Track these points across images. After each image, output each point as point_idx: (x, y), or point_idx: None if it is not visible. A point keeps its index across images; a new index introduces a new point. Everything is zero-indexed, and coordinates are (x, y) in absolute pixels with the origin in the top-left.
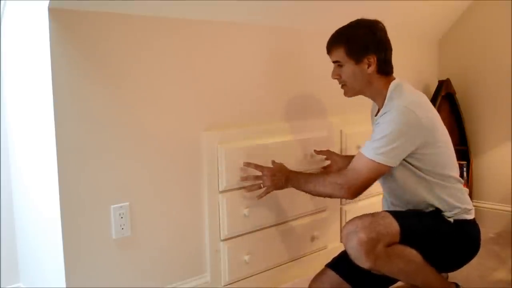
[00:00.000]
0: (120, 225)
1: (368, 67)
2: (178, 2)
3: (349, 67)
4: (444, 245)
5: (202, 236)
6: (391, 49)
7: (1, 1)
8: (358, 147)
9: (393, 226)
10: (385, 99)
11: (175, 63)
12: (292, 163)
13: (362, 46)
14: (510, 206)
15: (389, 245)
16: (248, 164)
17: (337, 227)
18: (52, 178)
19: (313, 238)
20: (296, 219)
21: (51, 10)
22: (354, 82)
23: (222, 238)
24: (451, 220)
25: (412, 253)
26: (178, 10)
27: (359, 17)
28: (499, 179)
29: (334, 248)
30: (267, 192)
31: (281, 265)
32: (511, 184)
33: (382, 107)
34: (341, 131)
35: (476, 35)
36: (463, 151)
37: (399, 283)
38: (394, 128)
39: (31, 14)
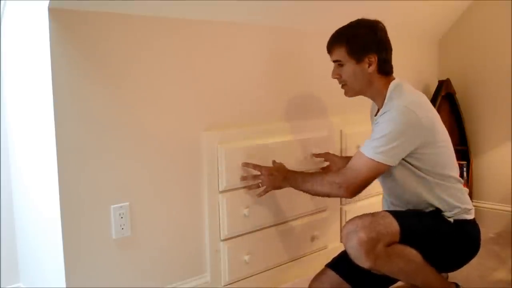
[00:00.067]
0: (120, 225)
1: (368, 67)
2: (178, 2)
3: (350, 67)
4: (444, 245)
5: (202, 236)
6: (391, 49)
7: (1, 1)
8: (358, 147)
9: (393, 225)
10: (385, 99)
11: (175, 63)
12: (292, 163)
13: (363, 46)
14: (510, 206)
15: (389, 245)
16: (246, 164)
17: (337, 227)
18: (52, 178)
19: (313, 238)
20: (296, 219)
21: (51, 10)
22: (354, 81)
23: (222, 238)
24: (451, 220)
25: (412, 253)
26: (178, 10)
27: (359, 17)
28: (499, 179)
29: (334, 248)
30: (265, 191)
31: (281, 265)
32: (511, 184)
33: (381, 107)
34: (341, 131)
35: (476, 35)
36: (463, 151)
37: (399, 283)
38: (393, 128)
39: (31, 14)
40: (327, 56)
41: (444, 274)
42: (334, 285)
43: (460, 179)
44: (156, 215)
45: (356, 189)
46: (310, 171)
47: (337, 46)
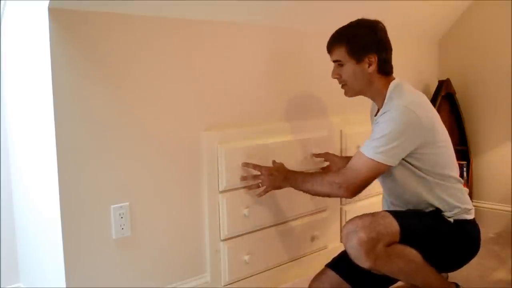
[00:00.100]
0: (120, 225)
1: (368, 67)
2: (178, 2)
3: (350, 66)
4: (444, 245)
5: (202, 236)
6: (391, 49)
7: (1, 1)
8: (358, 147)
9: (393, 225)
10: (384, 99)
11: (175, 63)
12: (292, 163)
13: (363, 46)
14: (510, 206)
15: (389, 245)
16: (246, 165)
17: (337, 227)
18: (52, 178)
19: (313, 238)
20: (296, 219)
21: (51, 10)
22: (354, 81)
23: (222, 238)
24: (451, 220)
25: (412, 253)
26: (178, 10)
27: (359, 17)
28: (499, 179)
29: (334, 248)
30: (265, 191)
31: (281, 265)
32: (511, 184)
33: (381, 107)
34: (341, 131)
35: (476, 35)
36: (463, 151)
37: (399, 283)
38: (394, 128)
39: (31, 14)
40: (327, 56)
41: (444, 274)
42: (334, 285)
43: (460, 179)
44: (156, 215)
45: (356, 189)
46: (310, 171)
47: (337, 46)
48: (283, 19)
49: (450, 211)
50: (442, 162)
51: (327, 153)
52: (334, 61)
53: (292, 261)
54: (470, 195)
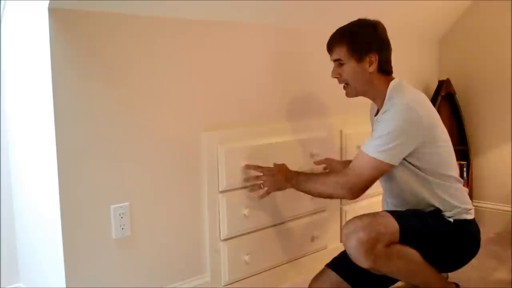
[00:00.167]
0: (120, 225)
1: (369, 66)
2: (178, 2)
3: (350, 65)
4: (444, 245)
5: (202, 236)
6: (391, 49)
7: (1, 1)
8: (358, 147)
9: (393, 226)
10: (384, 98)
11: (175, 63)
12: (292, 163)
13: (365, 44)
14: (510, 206)
15: (388, 245)
16: (248, 167)
17: (337, 227)
18: (52, 178)
19: (313, 238)
20: (296, 219)
21: (51, 10)
22: (355, 81)
23: (222, 238)
24: (451, 220)
25: (412, 253)
26: (178, 10)
27: (359, 17)
28: (499, 179)
29: (334, 248)
30: (267, 193)
31: (281, 265)
32: (511, 184)
33: (381, 107)
34: (341, 131)
35: (476, 35)
36: (463, 151)
37: (399, 283)
38: (395, 126)
39: (31, 14)
40: (327, 56)
41: (444, 274)
42: (334, 285)
43: (460, 179)
44: (156, 215)
45: (359, 190)
46: (310, 172)
47: (338, 44)
48: (283, 19)
49: (450, 211)
50: (442, 162)
51: (327, 159)
52: (334, 61)
53: (292, 261)
54: (470, 195)
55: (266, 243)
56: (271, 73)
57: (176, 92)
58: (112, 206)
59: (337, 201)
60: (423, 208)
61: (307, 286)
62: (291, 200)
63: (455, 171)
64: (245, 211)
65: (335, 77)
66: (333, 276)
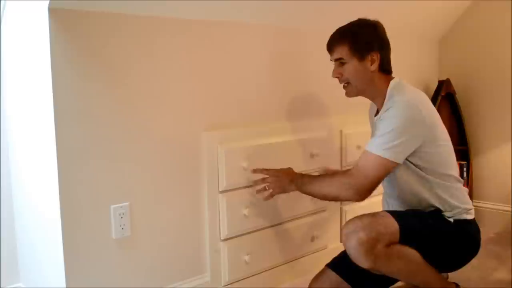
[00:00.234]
0: (120, 225)
1: (371, 65)
2: (178, 2)
3: (352, 64)
4: (444, 245)
5: (202, 236)
6: (390, 49)
7: (1, 1)
8: (358, 147)
9: (393, 226)
10: (385, 98)
11: (175, 63)
12: (292, 163)
13: (367, 43)
14: (510, 206)
15: (388, 245)
16: (255, 171)
17: (337, 227)
18: (52, 178)
19: (313, 238)
20: (296, 219)
21: (51, 10)
22: (356, 80)
23: (222, 238)
24: (451, 220)
25: (412, 253)
26: (178, 10)
27: (359, 17)
28: (499, 179)
29: (334, 248)
30: (272, 195)
31: (281, 265)
32: (511, 184)
33: (381, 107)
34: (341, 131)
35: (476, 35)
36: (463, 151)
37: (399, 283)
38: (399, 123)
39: (31, 14)
40: (327, 56)
41: (444, 274)
42: (334, 285)
43: (460, 178)
44: (156, 215)
45: (366, 191)
46: (310, 172)
47: (339, 43)
48: (283, 19)
49: (450, 211)
50: (442, 161)
51: (327, 169)
52: (335, 60)
53: (292, 261)
54: (470, 195)
55: (266, 243)
56: (271, 73)
57: (176, 92)
58: (112, 206)
59: None
60: (423, 208)
61: (307, 286)
62: (291, 200)
63: (455, 171)
64: (245, 211)
65: (336, 77)
66: (333, 276)
